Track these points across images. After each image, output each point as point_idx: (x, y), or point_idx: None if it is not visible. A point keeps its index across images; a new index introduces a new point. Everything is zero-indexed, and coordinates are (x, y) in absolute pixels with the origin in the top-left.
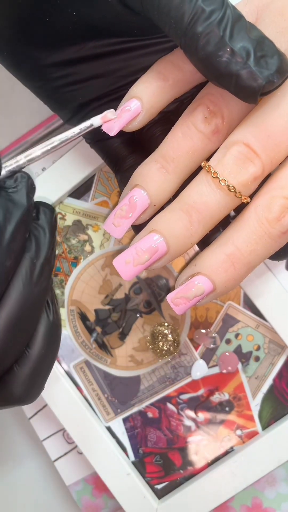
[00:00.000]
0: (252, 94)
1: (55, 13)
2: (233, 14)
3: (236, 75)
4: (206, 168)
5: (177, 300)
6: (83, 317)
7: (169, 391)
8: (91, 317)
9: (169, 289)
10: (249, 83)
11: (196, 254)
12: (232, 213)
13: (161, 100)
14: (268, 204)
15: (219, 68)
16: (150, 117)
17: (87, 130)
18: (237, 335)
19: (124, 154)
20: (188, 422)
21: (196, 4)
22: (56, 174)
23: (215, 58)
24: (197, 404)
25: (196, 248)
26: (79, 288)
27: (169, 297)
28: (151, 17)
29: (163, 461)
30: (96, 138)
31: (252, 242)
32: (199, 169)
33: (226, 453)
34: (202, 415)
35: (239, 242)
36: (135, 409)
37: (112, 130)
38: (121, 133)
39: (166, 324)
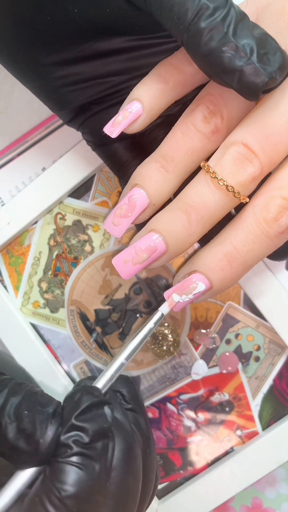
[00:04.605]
0: (255, 91)
1: (56, 10)
2: (236, 12)
3: (239, 70)
4: (205, 168)
5: None
6: (83, 317)
7: (169, 391)
8: (91, 317)
9: None
10: (253, 79)
11: (195, 252)
12: (233, 212)
13: (162, 102)
14: (266, 204)
15: (222, 64)
16: (151, 119)
17: (160, 320)
18: (237, 335)
19: (128, 159)
20: (188, 423)
21: (201, 1)
22: (56, 174)
23: (218, 53)
24: (197, 404)
25: (195, 247)
26: (79, 288)
27: (166, 294)
28: (153, 13)
29: (163, 461)
30: (99, 142)
31: (249, 242)
32: (199, 169)
33: (226, 453)
34: (202, 415)
35: (237, 241)
36: None
37: (113, 132)
38: (123, 137)
39: (166, 324)
